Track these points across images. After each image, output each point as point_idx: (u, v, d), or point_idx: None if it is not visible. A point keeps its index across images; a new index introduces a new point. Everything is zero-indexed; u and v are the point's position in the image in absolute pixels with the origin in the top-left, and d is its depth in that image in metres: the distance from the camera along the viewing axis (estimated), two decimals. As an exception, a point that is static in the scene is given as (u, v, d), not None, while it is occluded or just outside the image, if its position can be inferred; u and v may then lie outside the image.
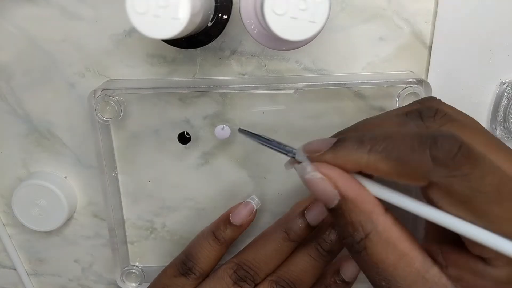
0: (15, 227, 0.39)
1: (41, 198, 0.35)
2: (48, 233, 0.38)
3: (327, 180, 0.22)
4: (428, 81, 0.32)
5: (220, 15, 0.29)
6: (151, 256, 0.38)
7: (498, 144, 0.23)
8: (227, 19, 0.29)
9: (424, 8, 0.31)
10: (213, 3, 0.28)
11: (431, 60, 0.32)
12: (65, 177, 0.36)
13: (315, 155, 0.23)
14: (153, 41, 0.32)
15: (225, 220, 0.32)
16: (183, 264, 0.32)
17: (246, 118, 0.33)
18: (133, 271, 0.38)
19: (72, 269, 0.40)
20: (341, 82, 0.31)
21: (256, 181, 0.35)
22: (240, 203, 0.33)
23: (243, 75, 0.33)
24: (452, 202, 0.21)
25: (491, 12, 0.31)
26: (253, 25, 0.28)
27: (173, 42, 0.30)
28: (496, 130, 0.33)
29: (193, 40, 0.30)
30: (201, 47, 0.31)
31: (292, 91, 0.32)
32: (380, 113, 0.33)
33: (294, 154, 0.25)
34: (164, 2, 0.22)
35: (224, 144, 0.34)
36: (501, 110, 0.33)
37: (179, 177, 0.35)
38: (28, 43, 0.32)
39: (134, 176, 0.35)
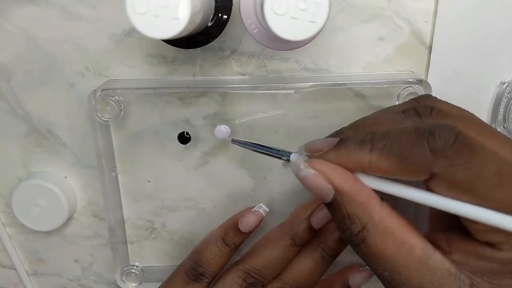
0: (15, 227, 0.39)
1: (41, 198, 0.35)
2: (48, 233, 0.38)
3: (320, 176, 0.23)
4: (428, 81, 0.32)
5: (220, 15, 0.29)
6: (151, 256, 0.38)
7: (493, 132, 0.23)
8: (227, 19, 0.29)
9: (424, 8, 0.31)
10: (213, 3, 0.28)
11: (431, 60, 0.32)
12: (65, 177, 0.36)
13: (317, 154, 0.24)
14: (153, 41, 0.32)
15: (234, 226, 0.33)
16: (194, 270, 0.33)
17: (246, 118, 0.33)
18: (133, 271, 0.38)
19: (72, 269, 0.40)
20: (341, 82, 0.31)
21: (256, 181, 0.35)
22: (249, 209, 0.33)
23: (243, 75, 0.33)
24: (455, 191, 0.21)
25: (491, 12, 0.31)
26: (253, 25, 0.28)
27: (173, 42, 0.30)
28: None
29: (193, 40, 0.30)
30: (201, 47, 0.31)
31: (292, 91, 0.32)
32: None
33: (289, 157, 0.26)
34: (164, 2, 0.22)
35: (224, 144, 0.34)
36: (501, 110, 0.33)
37: (179, 177, 0.35)
38: (28, 43, 0.32)
39: (134, 176, 0.35)
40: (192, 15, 0.22)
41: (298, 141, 0.34)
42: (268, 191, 0.35)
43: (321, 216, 0.32)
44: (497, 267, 0.22)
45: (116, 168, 0.35)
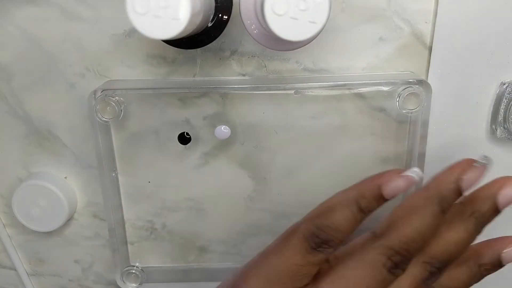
0: (15, 227, 0.39)
1: (41, 199, 0.35)
2: (48, 233, 0.38)
3: None
4: (428, 81, 0.32)
5: (220, 15, 0.29)
6: (151, 256, 0.38)
7: None
8: (227, 19, 0.29)
9: (424, 8, 0.31)
10: (213, 3, 0.28)
11: (431, 60, 0.32)
12: (65, 178, 0.36)
13: None
14: (153, 41, 0.32)
15: (375, 190, 0.27)
16: (317, 237, 0.27)
17: (246, 118, 0.33)
18: (133, 271, 0.38)
19: (72, 269, 0.40)
20: (341, 82, 0.31)
21: (256, 181, 0.35)
22: (395, 172, 0.27)
23: (243, 75, 0.33)
24: None
25: (491, 12, 0.31)
26: (253, 25, 0.28)
27: (173, 42, 0.30)
28: (496, 130, 0.33)
29: (193, 40, 0.30)
30: (201, 48, 0.31)
31: (292, 91, 0.32)
32: (380, 114, 0.33)
33: None
34: (164, 2, 0.22)
35: (224, 144, 0.34)
36: (501, 110, 0.33)
37: (179, 177, 0.35)
38: (28, 43, 0.32)
39: (134, 176, 0.35)
40: (192, 16, 0.22)
41: (298, 141, 0.34)
42: (268, 191, 0.35)
43: (472, 178, 0.27)
44: None
45: (116, 168, 0.35)
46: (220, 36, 0.30)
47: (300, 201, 0.35)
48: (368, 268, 0.27)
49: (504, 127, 0.33)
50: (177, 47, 0.31)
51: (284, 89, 0.32)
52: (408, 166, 0.34)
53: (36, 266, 0.40)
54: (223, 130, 0.33)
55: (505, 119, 0.33)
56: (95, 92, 0.31)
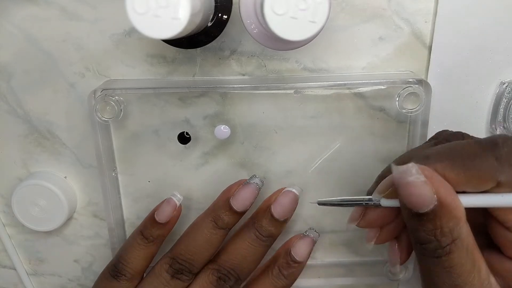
0: (15, 227, 0.39)
1: (41, 198, 0.35)
2: (48, 233, 0.38)
3: (429, 184, 0.22)
4: (428, 81, 0.32)
5: (220, 15, 0.29)
6: (151, 256, 0.38)
7: None
8: (227, 19, 0.29)
9: (424, 8, 0.31)
10: (213, 3, 0.28)
11: (431, 60, 0.32)
12: (65, 177, 0.36)
13: (389, 191, 0.25)
14: (153, 41, 0.32)
15: (151, 219, 0.33)
16: (114, 267, 0.33)
17: (246, 118, 0.33)
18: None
19: (72, 269, 0.40)
20: (341, 82, 0.31)
21: (256, 181, 0.35)
22: (164, 201, 0.33)
23: (243, 75, 0.33)
24: None
25: (491, 12, 0.31)
26: (253, 25, 0.28)
27: (173, 42, 0.30)
28: (496, 130, 0.33)
29: (193, 40, 0.30)
30: (201, 47, 0.31)
31: (291, 91, 0.32)
32: (379, 113, 0.33)
33: (376, 200, 0.26)
34: (164, 2, 0.22)
35: (224, 144, 0.34)
36: (501, 110, 0.33)
37: (179, 177, 0.35)
38: (28, 43, 0.32)
39: (134, 176, 0.35)
40: (192, 15, 0.22)
41: (298, 141, 0.34)
42: (268, 191, 0.35)
43: (240, 198, 0.32)
44: None
45: (116, 168, 0.35)
46: (220, 35, 0.30)
47: (300, 200, 0.35)
48: (154, 276, 0.32)
49: (503, 127, 0.33)
50: (177, 47, 0.31)
51: (284, 89, 0.32)
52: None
53: (36, 265, 0.40)
54: (223, 130, 0.33)
55: (504, 118, 0.33)
56: (95, 91, 0.31)
